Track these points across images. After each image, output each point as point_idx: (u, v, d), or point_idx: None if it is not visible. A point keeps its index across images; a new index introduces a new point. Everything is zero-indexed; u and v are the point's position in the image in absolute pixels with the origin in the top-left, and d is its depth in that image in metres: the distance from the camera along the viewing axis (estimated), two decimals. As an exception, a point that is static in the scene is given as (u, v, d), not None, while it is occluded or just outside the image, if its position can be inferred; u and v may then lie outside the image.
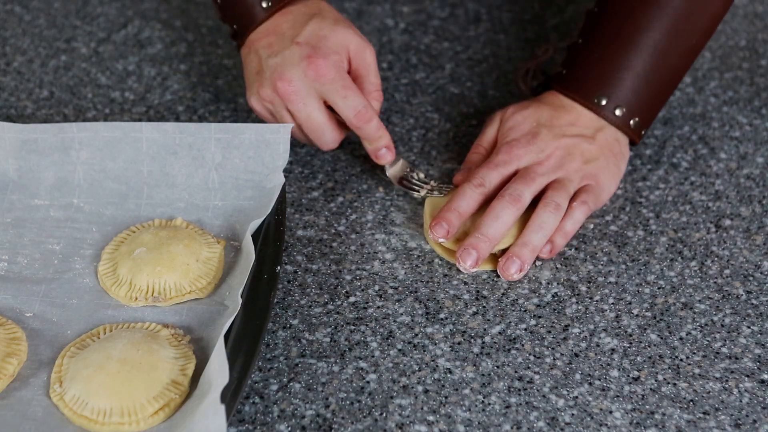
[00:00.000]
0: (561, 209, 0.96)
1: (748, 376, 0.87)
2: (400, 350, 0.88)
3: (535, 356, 0.88)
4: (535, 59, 1.09)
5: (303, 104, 0.98)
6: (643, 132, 1.03)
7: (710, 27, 1.02)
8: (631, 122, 1.01)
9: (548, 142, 0.99)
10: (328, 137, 1.01)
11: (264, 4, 1.01)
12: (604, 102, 1.00)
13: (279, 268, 0.90)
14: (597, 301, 0.93)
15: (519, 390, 0.85)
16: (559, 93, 1.03)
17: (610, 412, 0.84)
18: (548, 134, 1.00)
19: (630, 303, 0.93)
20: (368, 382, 0.86)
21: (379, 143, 1.01)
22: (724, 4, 1.02)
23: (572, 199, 0.97)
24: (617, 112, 1.00)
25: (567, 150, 0.99)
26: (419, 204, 1.02)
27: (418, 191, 1.02)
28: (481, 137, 1.05)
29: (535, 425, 0.83)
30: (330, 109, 1.00)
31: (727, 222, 1.01)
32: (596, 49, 1.02)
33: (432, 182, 1.03)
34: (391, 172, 1.03)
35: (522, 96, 1.15)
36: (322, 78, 0.97)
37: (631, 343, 0.89)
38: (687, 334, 0.90)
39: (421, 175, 1.03)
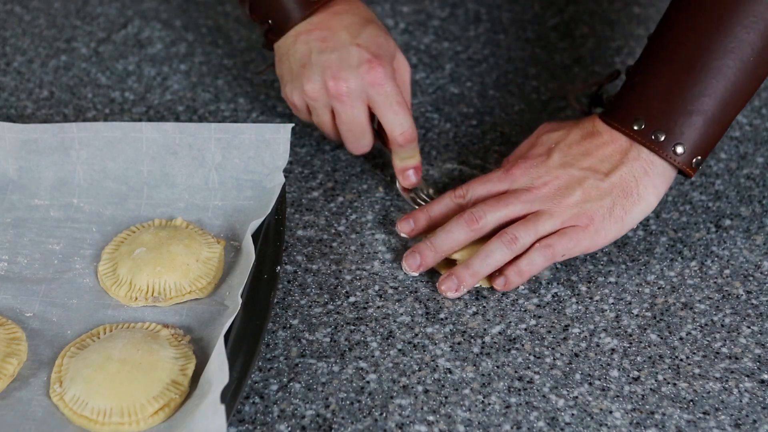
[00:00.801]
0: (516, 244, 0.90)
1: (748, 376, 0.87)
2: (400, 350, 0.88)
3: (535, 356, 0.88)
4: (598, 82, 1.03)
5: (351, 106, 0.97)
6: (677, 149, 0.91)
7: None
8: (655, 137, 0.91)
9: (551, 170, 0.92)
10: (365, 141, 1.01)
11: None
12: (641, 126, 0.91)
13: (279, 268, 0.90)
14: (597, 301, 0.93)
15: (519, 390, 0.85)
16: (598, 118, 0.95)
17: (610, 412, 0.84)
18: (558, 160, 0.93)
19: (630, 303, 0.93)
20: (368, 382, 0.86)
21: (409, 162, 1.01)
22: None
23: (542, 237, 0.91)
24: (635, 127, 0.92)
25: (568, 182, 0.91)
26: (419, 204, 1.02)
27: None
28: (513, 153, 0.98)
29: (535, 425, 0.83)
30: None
31: (727, 222, 1.01)
32: (645, 76, 0.93)
33: None
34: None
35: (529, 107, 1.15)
36: (378, 87, 0.96)
37: (631, 343, 0.89)
38: (687, 334, 0.90)
39: (431, 191, 1.03)
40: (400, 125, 0.98)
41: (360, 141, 1.01)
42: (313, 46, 0.98)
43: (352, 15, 0.99)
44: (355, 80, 0.96)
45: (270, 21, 1.01)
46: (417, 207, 1.01)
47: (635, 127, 0.92)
